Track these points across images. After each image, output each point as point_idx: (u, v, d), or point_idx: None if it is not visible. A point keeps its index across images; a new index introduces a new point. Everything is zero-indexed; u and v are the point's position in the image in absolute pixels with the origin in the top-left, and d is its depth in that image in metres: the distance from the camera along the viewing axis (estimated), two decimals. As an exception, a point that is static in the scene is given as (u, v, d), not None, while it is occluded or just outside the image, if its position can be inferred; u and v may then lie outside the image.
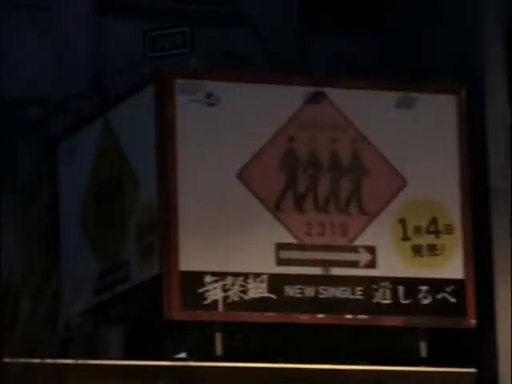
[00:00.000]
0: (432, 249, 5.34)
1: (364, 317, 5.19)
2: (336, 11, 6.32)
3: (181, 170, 5.12)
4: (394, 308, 5.24)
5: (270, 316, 5.12)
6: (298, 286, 5.14)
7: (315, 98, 5.34)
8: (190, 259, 5.04)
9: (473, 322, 5.23)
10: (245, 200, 5.19)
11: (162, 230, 5.09)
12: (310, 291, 5.14)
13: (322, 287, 5.16)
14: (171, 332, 5.12)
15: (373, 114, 5.40)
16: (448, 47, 5.70)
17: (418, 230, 5.34)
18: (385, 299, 5.22)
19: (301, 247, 5.21)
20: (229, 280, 5.06)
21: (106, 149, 5.56)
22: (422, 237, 5.34)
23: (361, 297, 5.19)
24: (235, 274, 5.07)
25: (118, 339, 5.13)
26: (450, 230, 5.36)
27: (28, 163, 6.02)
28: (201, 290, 5.02)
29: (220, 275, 5.05)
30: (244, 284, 5.07)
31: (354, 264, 5.23)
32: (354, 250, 5.25)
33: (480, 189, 5.38)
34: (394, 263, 5.28)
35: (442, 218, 5.38)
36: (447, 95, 5.50)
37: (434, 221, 5.36)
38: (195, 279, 5.02)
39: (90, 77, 6.13)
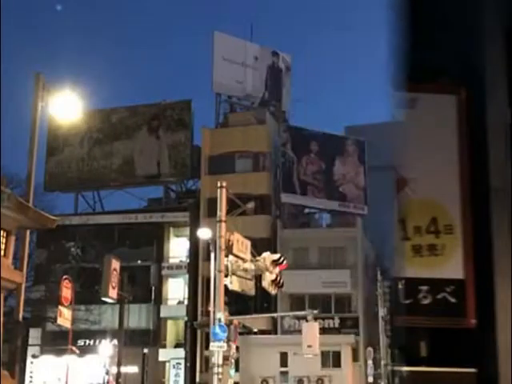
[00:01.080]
0: (432, 249, 5.33)
1: (364, 317, 5.18)
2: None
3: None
4: (395, 308, 5.22)
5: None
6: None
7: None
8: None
9: (473, 322, 5.22)
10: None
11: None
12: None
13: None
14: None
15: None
16: (448, 47, 5.69)
17: (417, 229, 5.33)
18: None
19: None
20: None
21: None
22: (421, 237, 5.33)
23: (361, 297, 5.18)
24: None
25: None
26: (450, 229, 5.35)
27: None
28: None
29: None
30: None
31: (353, 264, 5.22)
32: (354, 249, 5.24)
33: (480, 189, 5.37)
34: (393, 263, 5.27)
35: (442, 218, 5.36)
36: (447, 95, 5.49)
37: (434, 221, 5.35)
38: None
39: None
